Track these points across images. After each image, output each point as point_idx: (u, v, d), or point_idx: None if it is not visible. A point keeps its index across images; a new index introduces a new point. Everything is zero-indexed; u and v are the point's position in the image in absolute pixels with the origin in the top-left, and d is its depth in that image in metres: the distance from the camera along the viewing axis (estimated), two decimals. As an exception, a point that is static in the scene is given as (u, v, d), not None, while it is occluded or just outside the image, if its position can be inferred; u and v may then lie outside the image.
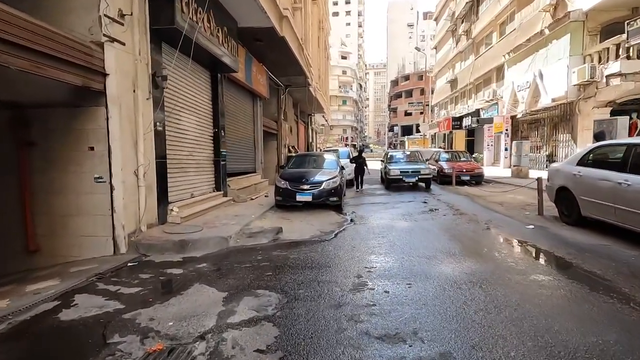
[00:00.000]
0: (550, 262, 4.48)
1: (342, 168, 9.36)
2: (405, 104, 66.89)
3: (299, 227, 6.56)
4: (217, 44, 7.55)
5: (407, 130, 63.41)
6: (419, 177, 11.83)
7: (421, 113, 62.26)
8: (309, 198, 7.89)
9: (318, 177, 8.27)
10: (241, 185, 10.45)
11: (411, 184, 12.26)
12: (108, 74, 5.01)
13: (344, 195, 9.60)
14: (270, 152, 16.30)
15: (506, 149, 20.00)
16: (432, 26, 73.65)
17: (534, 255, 4.78)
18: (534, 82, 16.12)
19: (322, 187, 7.98)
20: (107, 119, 5.04)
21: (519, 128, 19.51)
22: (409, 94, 67.16)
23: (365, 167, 12.19)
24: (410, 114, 65.99)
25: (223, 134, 9.20)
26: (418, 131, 54.97)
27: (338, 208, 8.43)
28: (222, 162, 9.11)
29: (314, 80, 18.02)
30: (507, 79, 19.62)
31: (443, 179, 13.57)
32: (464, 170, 13.00)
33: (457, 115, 27.05)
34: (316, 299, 3.33)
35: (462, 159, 14.75)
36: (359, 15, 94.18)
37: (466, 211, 7.92)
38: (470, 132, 26.04)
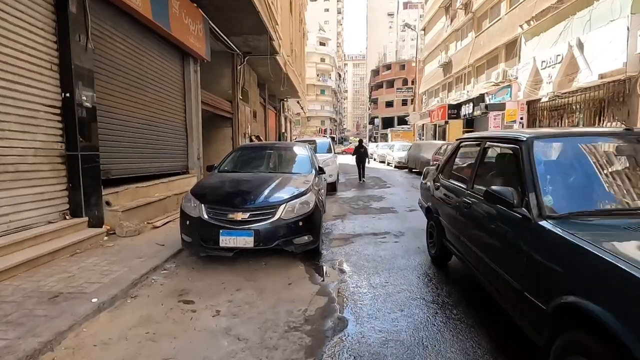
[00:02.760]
0: None
1: (320, 171, 5.09)
2: (387, 94, 63.61)
3: None
4: None
5: (388, 123, 60.13)
6: None
7: (404, 104, 59.03)
8: (247, 241, 3.59)
9: (270, 193, 3.96)
10: (145, 199, 5.98)
11: None
12: None
13: (324, 214, 5.38)
14: (220, 143, 11.84)
15: (520, 142, 16.32)
16: (413, 16, 70.14)
17: None
18: (569, 55, 12.37)
19: (276, 217, 3.69)
20: None
21: (537, 116, 15.87)
22: (391, 84, 63.85)
23: (367, 156, 12.87)
24: (391, 105, 62.73)
25: (89, 104, 4.71)
26: (401, 123, 51.54)
27: (313, 254, 4.19)
28: (87, 160, 4.66)
29: (282, 48, 13.58)
30: (524, 55, 15.88)
31: (462, 182, 9.55)
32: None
33: (454, 103, 23.32)
34: None
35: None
36: (338, 0, 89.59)
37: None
38: (469, 122, 22.37)
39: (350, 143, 53.76)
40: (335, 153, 11.22)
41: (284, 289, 3.31)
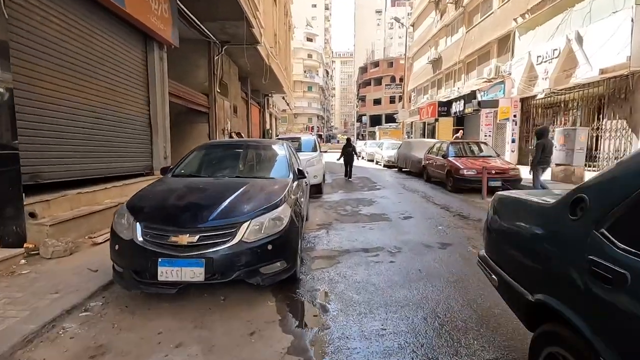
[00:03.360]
0: None
1: (300, 175, 4.15)
2: (374, 92, 63.07)
3: None
4: None
5: (376, 120, 59.67)
6: None
7: (391, 102, 58.50)
8: (196, 273, 2.64)
9: (231, 207, 2.99)
10: (89, 207, 4.94)
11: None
12: None
13: (304, 227, 4.50)
14: (195, 140, 10.76)
15: (513, 141, 15.85)
16: (401, 14, 69.82)
17: None
18: (567, 49, 11.79)
19: (236, 240, 2.76)
20: None
21: (530, 113, 15.36)
22: (379, 81, 63.28)
23: (354, 155, 12.63)
24: (379, 103, 62.17)
25: (2, 88, 3.67)
26: (389, 120, 50.97)
27: (288, 281, 3.27)
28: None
29: (264, 38, 12.58)
30: (518, 49, 15.30)
31: (459, 184, 8.83)
32: (494, 172, 8.32)
33: (444, 100, 22.70)
34: None
35: (482, 153, 10.12)
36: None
37: None
38: (459, 120, 21.80)
39: (339, 141, 52.95)
40: (320, 152, 10.30)
41: (243, 342, 2.39)
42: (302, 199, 4.11)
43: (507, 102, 15.66)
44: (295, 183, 3.93)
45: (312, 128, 64.50)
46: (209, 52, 11.13)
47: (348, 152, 12.45)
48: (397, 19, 26.66)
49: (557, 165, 9.58)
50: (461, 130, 14.66)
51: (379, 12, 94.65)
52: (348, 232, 5.33)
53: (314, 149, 10.18)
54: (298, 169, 4.20)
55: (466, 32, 20.96)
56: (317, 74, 69.98)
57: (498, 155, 10.23)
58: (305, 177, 4.30)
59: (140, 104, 7.01)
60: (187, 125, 11.26)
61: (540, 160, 7.08)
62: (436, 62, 25.75)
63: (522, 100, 15.40)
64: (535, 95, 14.13)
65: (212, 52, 11.21)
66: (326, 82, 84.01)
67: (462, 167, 8.82)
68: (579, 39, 11.30)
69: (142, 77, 7.06)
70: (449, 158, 9.62)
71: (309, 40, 67.65)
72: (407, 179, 12.72)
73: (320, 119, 75.46)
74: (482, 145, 10.61)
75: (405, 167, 14.81)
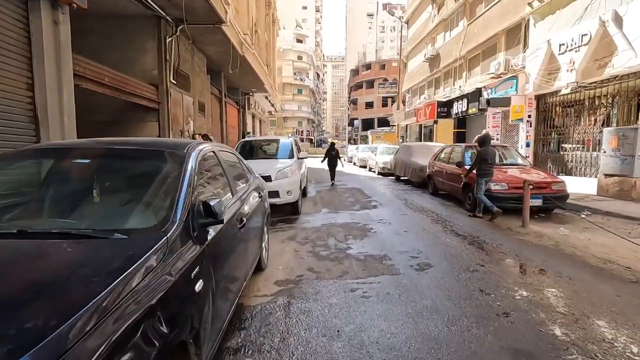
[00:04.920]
0: None
1: (208, 220, 1.79)
2: (367, 95, 61.22)
3: None
4: None
5: (368, 124, 57.72)
6: None
7: (384, 105, 56.57)
8: None
9: None
10: None
11: None
12: None
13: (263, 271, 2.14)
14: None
15: (528, 145, 13.72)
16: (392, 19, 68.40)
17: None
18: (600, 33, 9.74)
19: None
20: None
21: (548, 112, 13.27)
22: (371, 84, 61.45)
23: (338, 159, 12.50)
24: (371, 106, 60.28)
25: None
26: (382, 124, 48.92)
27: None
28: None
29: (231, 16, 10.23)
30: (533, 39, 13.24)
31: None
32: (532, 187, 6.06)
33: (444, 100, 20.60)
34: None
35: (508, 160, 7.86)
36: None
37: None
38: (460, 122, 19.72)
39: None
40: (299, 158, 7.97)
41: None
42: (211, 291, 1.68)
43: (520, 100, 13.55)
44: (186, 247, 1.58)
45: (302, 132, 62.23)
46: (158, 32, 8.74)
47: (332, 156, 12.47)
48: (391, 12, 24.56)
49: (606, 176, 7.38)
50: (485, 130, 12.42)
51: (370, 15, 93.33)
52: (325, 305, 2.98)
53: (291, 156, 7.85)
54: (205, 208, 1.84)
55: (467, 25, 18.94)
56: (308, 77, 67.89)
57: (530, 164, 8.00)
58: (222, 223, 1.93)
59: (16, 88, 4.59)
60: (135, 124, 8.86)
61: (483, 171, 6.49)
62: (433, 60, 23.72)
63: (538, 97, 13.32)
64: (557, 91, 12.04)
65: (163, 32, 8.83)
66: (317, 85, 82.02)
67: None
68: (618, 20, 9.22)
69: (19, 47, 4.64)
70: (465, 167, 7.36)
71: (299, 41, 65.55)
72: (408, 191, 10.44)
73: (311, 122, 73.28)
74: (505, 151, 8.35)
75: (404, 175, 12.57)
